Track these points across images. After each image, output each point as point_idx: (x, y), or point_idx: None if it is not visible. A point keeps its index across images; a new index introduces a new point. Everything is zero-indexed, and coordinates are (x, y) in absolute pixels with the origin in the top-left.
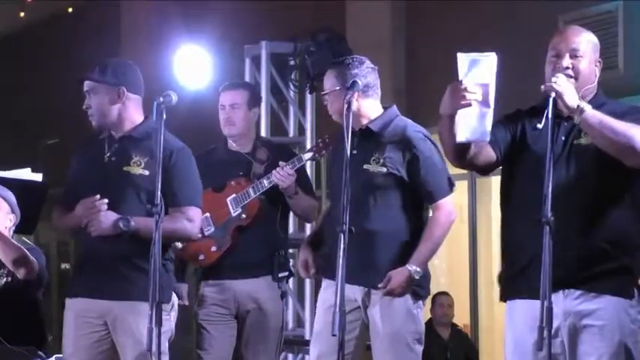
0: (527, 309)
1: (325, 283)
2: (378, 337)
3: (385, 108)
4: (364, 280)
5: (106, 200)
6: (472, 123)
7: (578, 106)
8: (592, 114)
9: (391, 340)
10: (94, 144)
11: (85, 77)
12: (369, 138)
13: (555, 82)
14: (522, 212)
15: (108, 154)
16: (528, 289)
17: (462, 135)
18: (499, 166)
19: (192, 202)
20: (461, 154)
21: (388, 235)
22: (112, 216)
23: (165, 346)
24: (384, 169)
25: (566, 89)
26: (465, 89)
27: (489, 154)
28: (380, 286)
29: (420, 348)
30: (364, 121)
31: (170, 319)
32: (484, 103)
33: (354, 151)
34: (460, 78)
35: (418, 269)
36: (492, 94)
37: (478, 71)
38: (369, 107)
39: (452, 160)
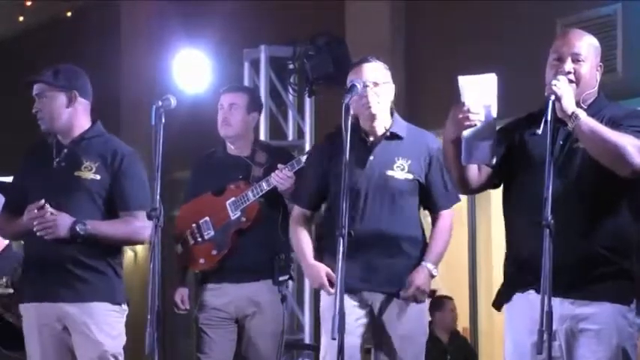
0: (526, 311)
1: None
2: (396, 338)
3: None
4: (388, 286)
5: (48, 206)
6: (476, 145)
7: (573, 112)
8: (585, 121)
9: (409, 341)
10: (42, 149)
11: (36, 80)
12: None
13: (555, 85)
14: (523, 216)
15: (57, 160)
16: (528, 281)
17: (467, 158)
18: (500, 180)
19: (143, 206)
20: (467, 179)
21: (410, 240)
22: (69, 219)
23: (120, 350)
24: (410, 176)
25: (565, 93)
26: (468, 110)
27: (488, 171)
28: (403, 293)
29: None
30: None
31: (122, 322)
32: (487, 124)
33: (371, 157)
34: (462, 100)
35: (434, 267)
36: (495, 114)
37: (479, 93)
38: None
39: (459, 187)
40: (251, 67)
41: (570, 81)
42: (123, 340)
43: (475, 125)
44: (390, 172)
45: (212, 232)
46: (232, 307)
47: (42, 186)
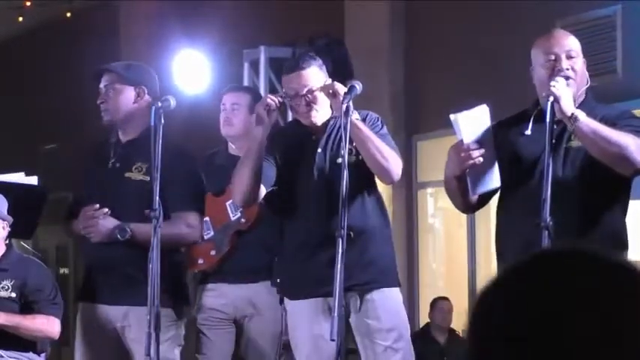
0: None
1: (294, 304)
2: (381, 333)
3: None
4: (361, 281)
5: (106, 210)
6: (482, 176)
7: (572, 113)
8: (586, 122)
9: (397, 335)
10: (101, 149)
11: (108, 68)
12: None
13: (554, 86)
14: (518, 216)
15: (112, 160)
16: None
17: (475, 189)
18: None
19: (192, 207)
20: (471, 204)
21: (375, 229)
22: (111, 223)
23: (173, 353)
24: (355, 158)
25: (564, 94)
26: (469, 148)
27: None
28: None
29: None
30: None
31: (176, 325)
32: (489, 154)
33: (319, 150)
34: (460, 138)
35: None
36: (492, 142)
37: (475, 126)
38: None
39: (465, 211)
40: (250, 67)
41: (567, 77)
42: (179, 344)
43: (479, 162)
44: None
45: (211, 233)
46: (231, 307)
47: (97, 187)
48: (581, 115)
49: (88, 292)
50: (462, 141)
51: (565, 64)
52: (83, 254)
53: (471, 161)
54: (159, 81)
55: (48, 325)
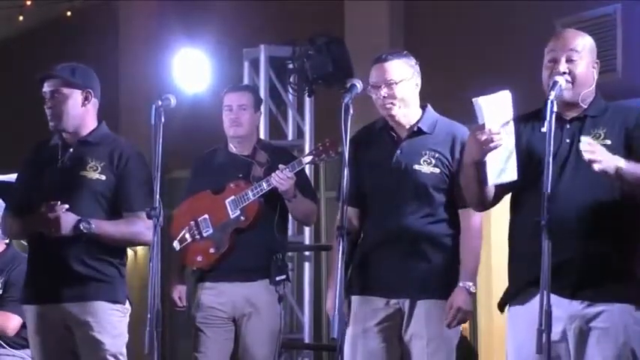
0: (529, 313)
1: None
2: (423, 340)
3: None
4: (411, 288)
5: (67, 205)
6: (500, 165)
7: (616, 168)
8: (629, 171)
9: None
10: (45, 149)
11: (53, 75)
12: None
13: (590, 152)
14: (533, 216)
15: (62, 159)
16: (534, 283)
17: (493, 178)
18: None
19: (147, 208)
20: (486, 198)
21: (437, 239)
22: (73, 217)
23: (123, 349)
24: (437, 170)
25: (599, 156)
26: (490, 132)
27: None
28: (447, 320)
29: None
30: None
31: (125, 321)
32: (508, 140)
33: (398, 152)
34: (482, 122)
35: (472, 283)
36: (512, 130)
37: (497, 111)
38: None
39: (477, 206)
40: (251, 66)
41: (566, 81)
42: (125, 339)
43: (499, 146)
44: (416, 167)
45: (210, 230)
46: (229, 306)
47: (47, 185)
48: (621, 163)
49: (37, 292)
50: (483, 125)
51: (563, 67)
52: (33, 253)
53: (493, 144)
54: (159, 79)
55: (2, 321)
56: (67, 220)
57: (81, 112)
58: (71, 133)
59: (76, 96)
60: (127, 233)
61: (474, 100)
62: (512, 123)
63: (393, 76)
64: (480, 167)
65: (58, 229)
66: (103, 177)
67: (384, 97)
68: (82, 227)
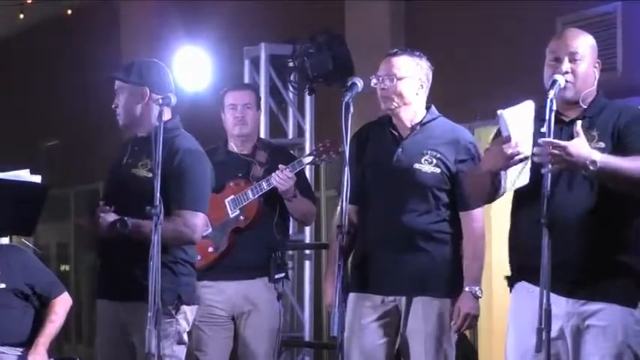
0: (530, 306)
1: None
2: (421, 336)
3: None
4: (408, 285)
5: (108, 207)
6: (517, 172)
7: (589, 160)
8: (605, 163)
9: (439, 340)
10: (122, 147)
11: (110, 76)
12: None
13: (538, 155)
14: (533, 215)
15: (126, 157)
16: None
17: (509, 185)
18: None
19: (192, 206)
20: (495, 199)
21: (437, 237)
22: (110, 218)
23: (172, 349)
24: (438, 170)
25: (572, 143)
26: (517, 145)
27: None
28: (454, 324)
29: None
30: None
31: (175, 322)
32: (528, 149)
33: (399, 150)
34: (506, 134)
35: (477, 287)
36: (531, 138)
37: (520, 122)
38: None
39: (477, 204)
40: (251, 64)
41: (567, 81)
42: (178, 340)
43: (525, 158)
44: (417, 166)
45: (209, 229)
46: (228, 304)
47: (112, 184)
48: (596, 156)
49: (99, 288)
50: (508, 137)
51: (565, 66)
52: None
53: (519, 157)
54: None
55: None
56: (105, 220)
57: (139, 108)
58: (136, 129)
59: (132, 93)
60: (167, 232)
61: (498, 112)
62: (532, 132)
63: (397, 71)
64: (497, 175)
65: (98, 229)
66: (151, 175)
67: (382, 88)
68: (118, 227)
